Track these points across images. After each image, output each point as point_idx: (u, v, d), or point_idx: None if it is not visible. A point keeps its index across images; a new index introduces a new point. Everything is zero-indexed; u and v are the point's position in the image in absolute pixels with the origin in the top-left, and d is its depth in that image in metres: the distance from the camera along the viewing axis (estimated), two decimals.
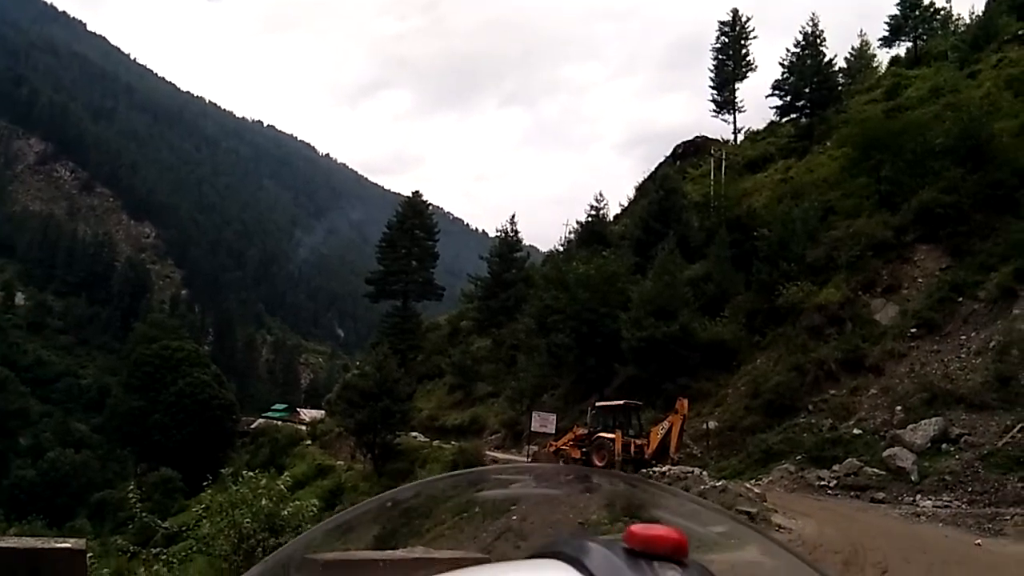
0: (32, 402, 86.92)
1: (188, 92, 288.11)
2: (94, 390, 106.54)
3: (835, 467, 22.01)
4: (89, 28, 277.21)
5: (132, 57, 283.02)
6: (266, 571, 1.23)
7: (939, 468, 19.86)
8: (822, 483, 21.63)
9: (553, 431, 29.73)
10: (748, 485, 20.33)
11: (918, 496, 19.32)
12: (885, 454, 21.35)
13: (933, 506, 18.42)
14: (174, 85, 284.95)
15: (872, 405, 24.24)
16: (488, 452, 33.82)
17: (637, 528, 0.89)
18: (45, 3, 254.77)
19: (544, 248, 67.62)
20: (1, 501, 59.44)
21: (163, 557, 12.75)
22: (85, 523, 52.09)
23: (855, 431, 23.40)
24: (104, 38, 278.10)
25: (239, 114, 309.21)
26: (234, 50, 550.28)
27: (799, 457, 23.51)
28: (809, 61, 47.42)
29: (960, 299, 25.26)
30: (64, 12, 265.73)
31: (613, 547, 0.89)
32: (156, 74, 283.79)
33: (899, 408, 23.02)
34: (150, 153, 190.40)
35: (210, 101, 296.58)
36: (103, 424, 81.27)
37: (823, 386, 26.12)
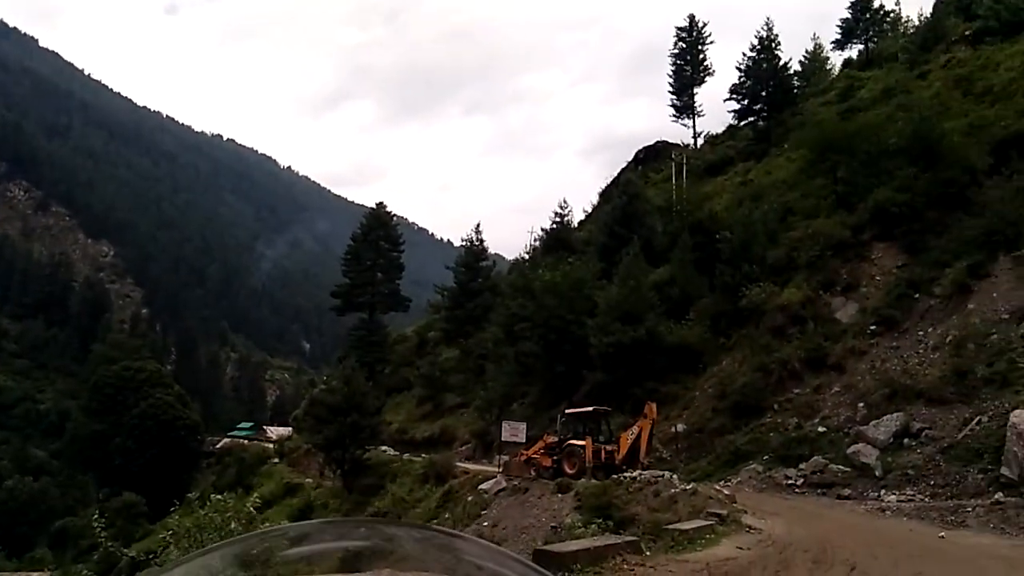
0: None
1: (145, 107, 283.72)
2: (53, 414, 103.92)
3: (802, 465, 22.31)
4: (41, 44, 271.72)
5: (87, 73, 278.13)
6: None
7: (902, 463, 20.20)
8: (789, 482, 21.92)
9: (523, 440, 29.62)
10: (718, 487, 20.51)
11: (882, 491, 19.63)
12: (849, 451, 21.71)
13: (897, 501, 18.70)
14: (130, 100, 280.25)
15: (835, 403, 24.61)
16: (459, 463, 33.61)
17: None
18: None
19: (510, 256, 67.55)
20: None
21: None
22: (46, 552, 50.80)
23: (820, 429, 23.73)
24: (57, 54, 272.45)
25: (198, 128, 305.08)
26: (192, 63, 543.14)
27: (766, 457, 23.83)
28: (765, 65, 48.22)
29: (917, 296, 25.78)
30: (15, 28, 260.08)
31: None
32: (112, 90, 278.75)
33: (861, 405, 23.38)
34: (107, 170, 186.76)
35: (167, 116, 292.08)
36: (63, 449, 79.32)
37: (787, 385, 26.47)
